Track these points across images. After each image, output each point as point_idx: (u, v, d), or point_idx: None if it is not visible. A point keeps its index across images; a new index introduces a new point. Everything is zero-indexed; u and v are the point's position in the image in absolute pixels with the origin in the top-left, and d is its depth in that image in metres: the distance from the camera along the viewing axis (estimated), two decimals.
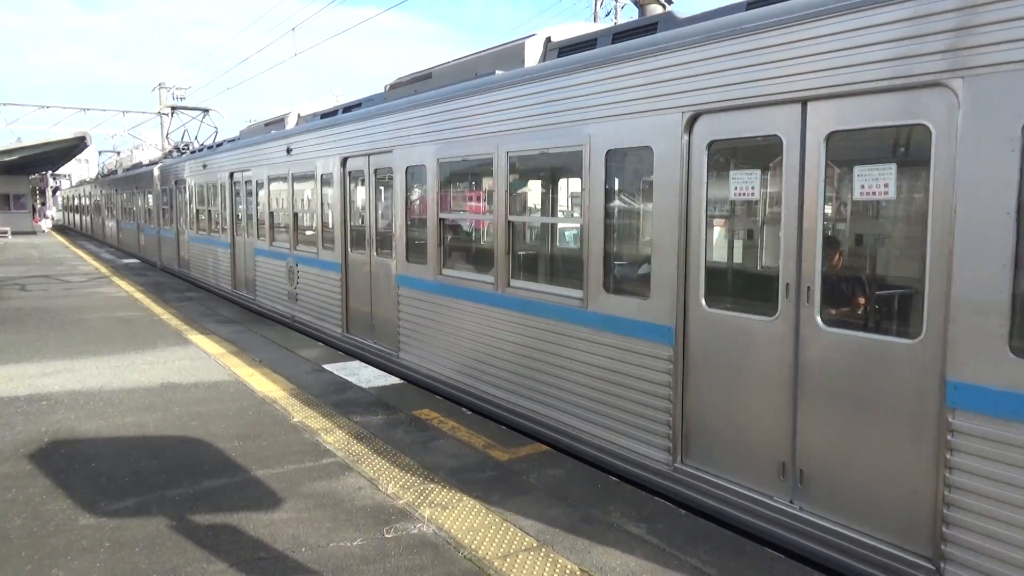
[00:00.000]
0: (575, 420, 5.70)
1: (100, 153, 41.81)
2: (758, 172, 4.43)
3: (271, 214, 12.14)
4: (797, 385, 4.17)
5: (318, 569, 3.84)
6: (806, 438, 4.14)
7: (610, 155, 5.28)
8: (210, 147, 17.57)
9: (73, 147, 34.36)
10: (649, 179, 4.98)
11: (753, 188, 4.47)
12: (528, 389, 6.19)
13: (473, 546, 4.11)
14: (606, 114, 5.24)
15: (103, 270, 20.67)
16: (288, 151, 11.01)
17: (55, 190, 62.97)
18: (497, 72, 6.75)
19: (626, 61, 5.05)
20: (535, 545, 4.13)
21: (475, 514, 4.53)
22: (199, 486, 4.94)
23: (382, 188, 8.82)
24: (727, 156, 4.74)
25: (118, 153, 41.68)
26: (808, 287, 4.06)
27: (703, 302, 4.67)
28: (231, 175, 13.99)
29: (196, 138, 22.21)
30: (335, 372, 8.23)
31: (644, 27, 5.55)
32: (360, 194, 9.31)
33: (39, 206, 51.11)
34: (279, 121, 12.96)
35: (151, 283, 17.44)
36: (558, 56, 6.34)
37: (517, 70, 6.50)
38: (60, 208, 65.16)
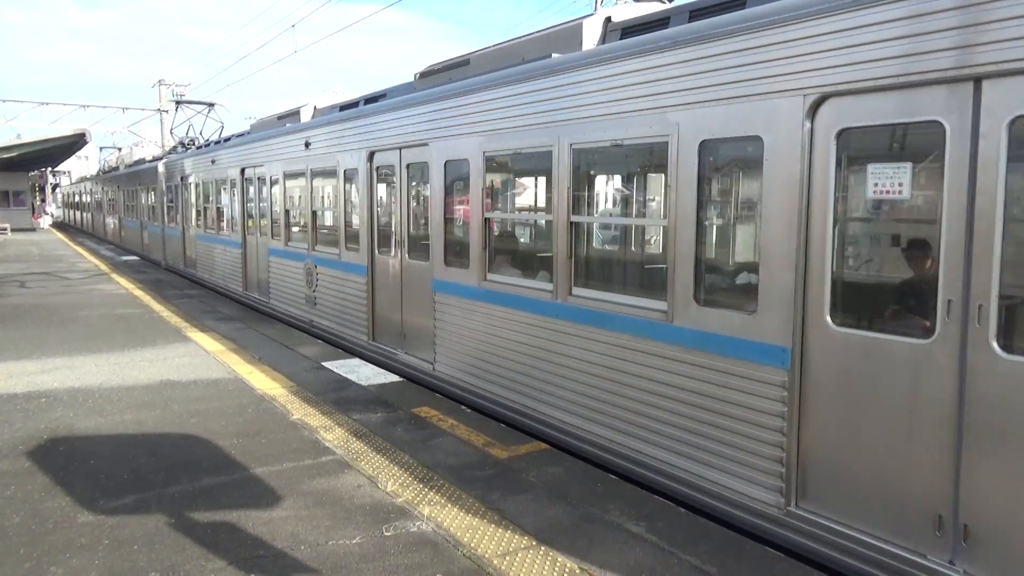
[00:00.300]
0: (655, 449, 5.01)
1: (101, 149, 41.28)
2: (908, 166, 3.70)
3: (287, 212, 11.43)
4: (962, 422, 3.46)
5: (317, 567, 3.84)
6: (974, 488, 3.43)
7: (705, 146, 4.61)
8: (217, 142, 16.94)
9: (73, 144, 34.38)
10: (757, 173, 4.31)
11: (900, 185, 3.71)
12: (594, 411, 5.50)
13: (472, 544, 4.10)
14: (700, 99, 4.55)
15: (103, 267, 20.66)
16: (306, 145, 10.23)
17: (54, 187, 62.91)
18: (553, 55, 6.01)
19: (728, 37, 4.36)
20: (534, 543, 4.13)
21: (474, 512, 4.52)
22: (198, 484, 4.94)
23: (415, 184, 8.10)
24: (862, 147, 4.06)
25: (119, 149, 40.97)
26: (980, 305, 3.37)
27: (828, 319, 3.97)
28: (242, 171, 13.35)
29: (200, 133, 21.59)
30: (334, 370, 8.22)
31: (729, 2, 4.92)
32: (389, 191, 8.54)
33: (38, 203, 51.07)
34: (294, 114, 12.35)
35: (150, 280, 17.43)
36: (620, 37, 5.80)
37: (582, 52, 5.82)
38: (60, 205, 65.08)
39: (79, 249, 27.94)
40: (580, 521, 4.41)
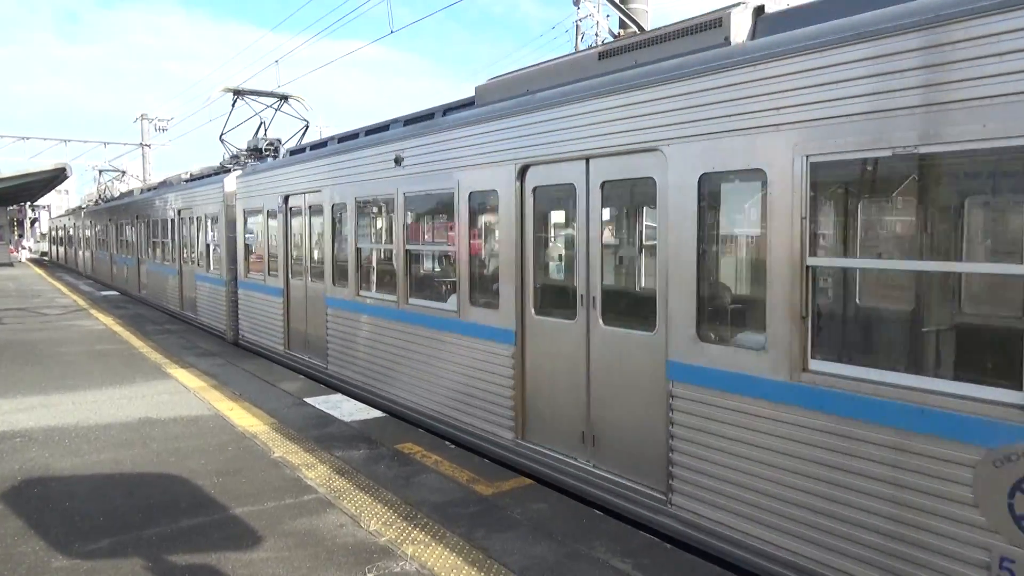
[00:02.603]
0: None
1: (100, 172, 39.25)
2: None
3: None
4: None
5: None
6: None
7: None
8: (319, 144, 11.06)
9: (53, 178, 34.17)
10: None
11: None
12: None
13: None
14: None
15: (81, 303, 20.41)
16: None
17: (33, 221, 62.38)
18: None
19: None
20: None
21: (459, 551, 4.46)
22: (176, 525, 4.84)
23: None
24: None
25: (122, 172, 38.73)
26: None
27: None
28: (522, 172, 6.06)
29: (265, 136, 14.78)
30: (317, 406, 8.14)
31: None
32: None
33: (16, 238, 50.54)
34: (708, 27, 4.97)
35: (130, 315, 17.23)
36: None
37: None
38: (38, 240, 64.41)
39: (58, 285, 27.61)
40: (565, 559, 4.37)
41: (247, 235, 12.63)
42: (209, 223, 14.52)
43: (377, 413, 7.85)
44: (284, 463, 6.14)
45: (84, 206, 37.85)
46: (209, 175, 15.68)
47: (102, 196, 34.47)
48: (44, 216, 65.73)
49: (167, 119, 42.12)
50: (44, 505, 5.20)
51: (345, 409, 8.00)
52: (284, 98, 15.38)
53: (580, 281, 5.56)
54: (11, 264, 41.74)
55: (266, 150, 14.32)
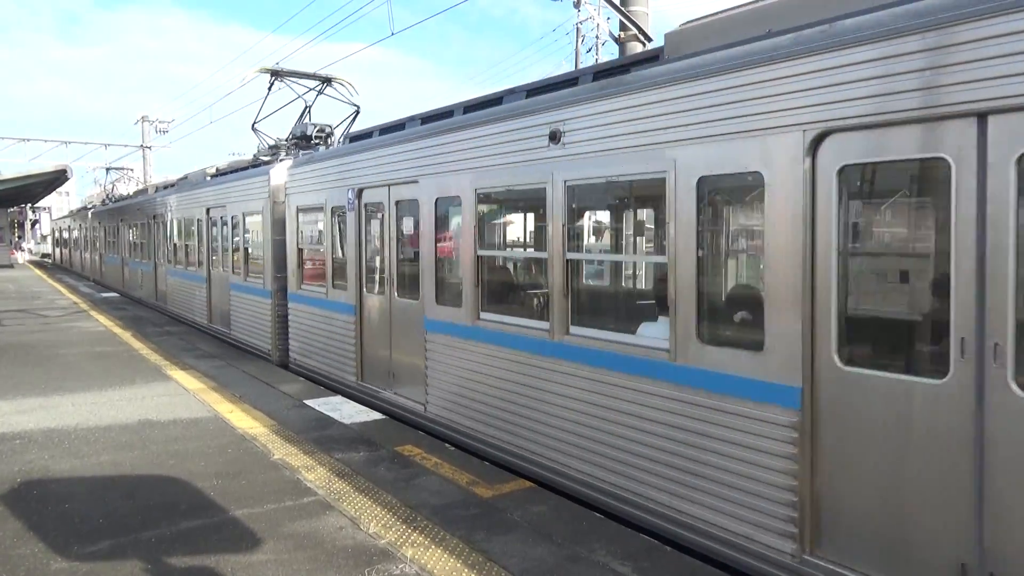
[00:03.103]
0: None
1: (108, 171, 38.11)
2: None
3: None
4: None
5: None
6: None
7: None
8: (393, 127, 8.80)
9: (54, 180, 34.17)
10: None
11: None
12: None
13: None
14: None
15: (81, 304, 20.41)
16: None
17: (34, 223, 62.43)
18: None
19: None
20: None
21: (458, 554, 4.46)
22: (176, 527, 4.83)
23: None
24: None
25: (130, 171, 37.06)
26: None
27: None
28: (815, 142, 4.15)
29: (310, 122, 12.99)
30: (317, 408, 8.13)
31: None
32: None
33: (16, 239, 50.54)
34: None
35: (130, 317, 17.23)
36: None
37: None
38: (39, 241, 64.42)
39: (57, 286, 27.61)
40: (565, 561, 4.36)
41: (301, 237, 10.40)
42: (249, 223, 12.23)
43: (377, 415, 7.84)
44: (284, 465, 6.13)
45: (91, 206, 35.70)
46: (243, 168, 13.76)
47: (109, 196, 33.15)
48: (45, 218, 65.84)
49: (168, 121, 42.27)
50: (43, 507, 5.19)
51: (345, 411, 8.00)
52: (327, 80, 13.19)
53: (959, 317, 3.49)
54: (11, 266, 41.76)
55: (316, 137, 12.27)
